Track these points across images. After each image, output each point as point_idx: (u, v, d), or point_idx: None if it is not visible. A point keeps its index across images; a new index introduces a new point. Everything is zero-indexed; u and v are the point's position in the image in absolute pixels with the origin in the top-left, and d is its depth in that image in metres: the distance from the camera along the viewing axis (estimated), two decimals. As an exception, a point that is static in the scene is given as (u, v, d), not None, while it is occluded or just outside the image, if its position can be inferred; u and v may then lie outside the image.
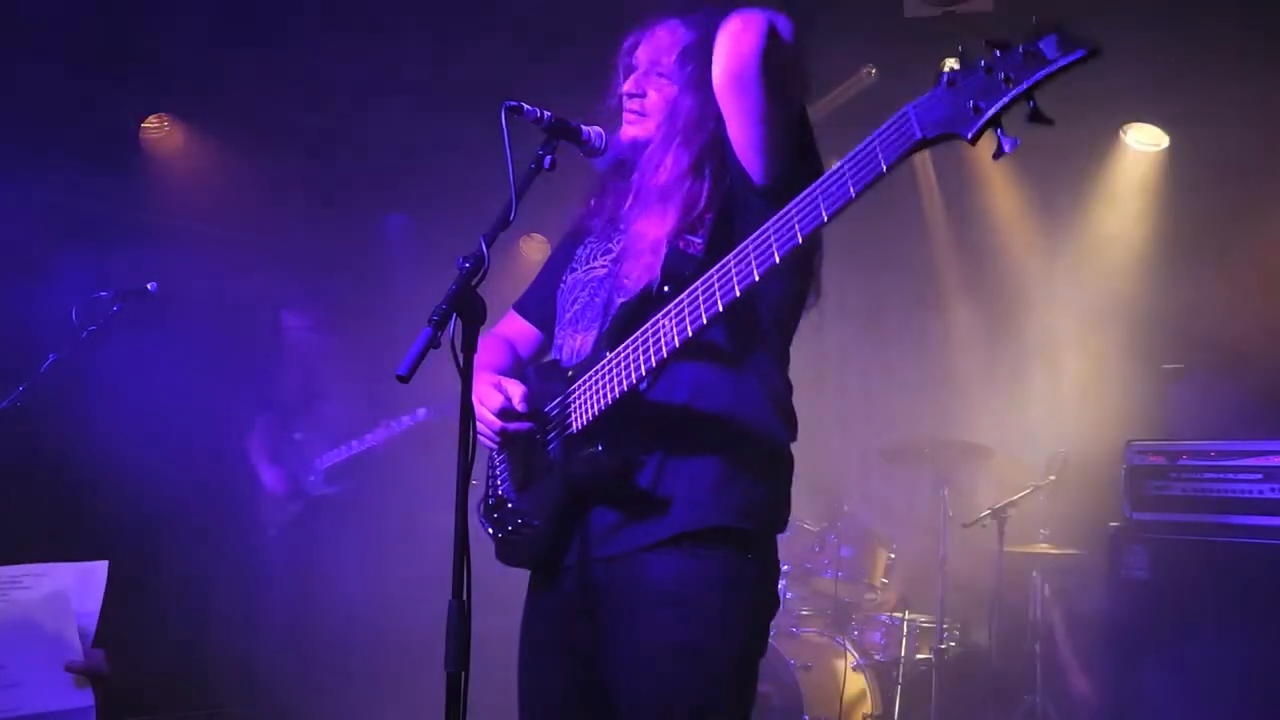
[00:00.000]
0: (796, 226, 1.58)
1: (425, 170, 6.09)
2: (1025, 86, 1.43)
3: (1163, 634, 3.79)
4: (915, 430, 5.07)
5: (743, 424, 1.92)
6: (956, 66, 1.49)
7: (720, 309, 1.67)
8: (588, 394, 1.86)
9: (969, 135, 1.45)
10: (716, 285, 1.67)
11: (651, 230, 1.93)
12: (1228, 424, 4.41)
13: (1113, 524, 4.01)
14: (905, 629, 4.59)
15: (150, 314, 4.47)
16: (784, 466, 2.00)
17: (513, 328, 2.28)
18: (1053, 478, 4.66)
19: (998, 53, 1.46)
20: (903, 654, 4.56)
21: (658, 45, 2.02)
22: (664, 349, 1.74)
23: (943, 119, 1.48)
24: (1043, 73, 1.43)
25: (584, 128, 2.00)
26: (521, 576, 2.15)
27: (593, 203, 2.13)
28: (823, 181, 1.56)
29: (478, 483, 1.93)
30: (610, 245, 2.05)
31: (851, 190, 1.53)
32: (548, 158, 1.89)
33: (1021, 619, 4.64)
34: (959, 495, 4.85)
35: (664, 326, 1.74)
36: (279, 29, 4.91)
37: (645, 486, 1.87)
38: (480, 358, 2.07)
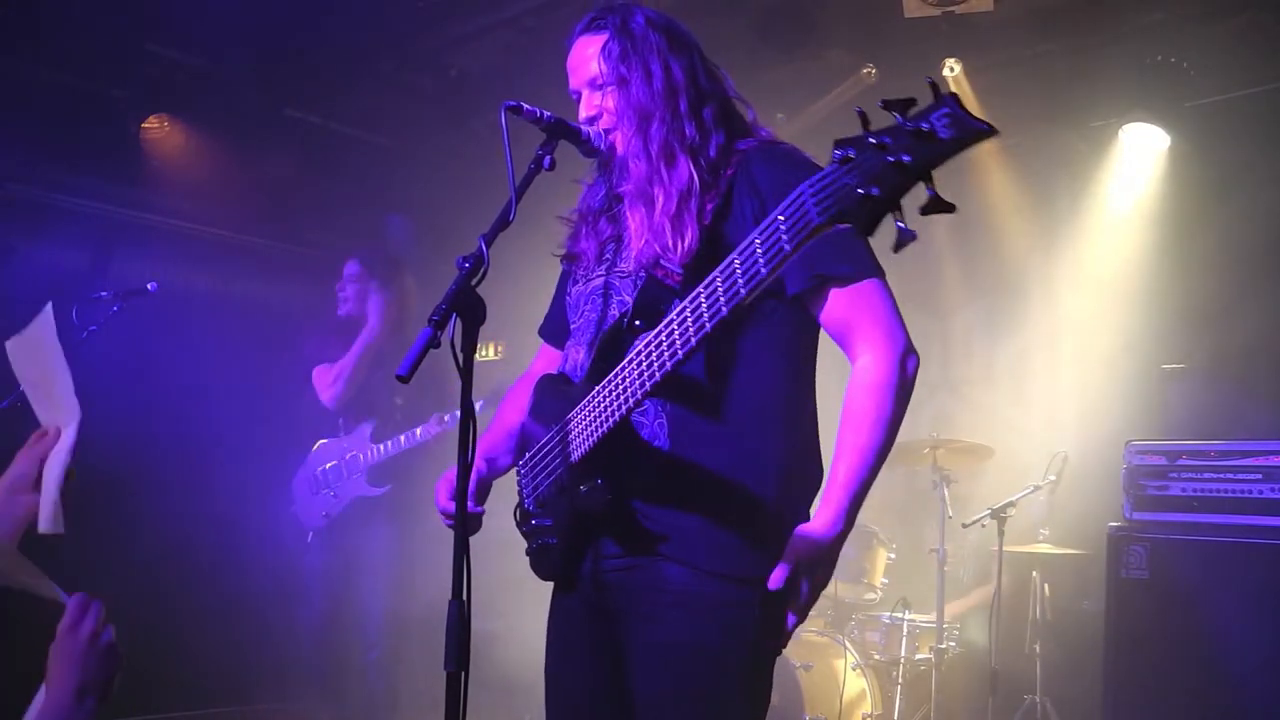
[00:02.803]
0: (721, 300, 1.57)
1: (425, 170, 6.10)
2: (921, 172, 1.29)
3: (1163, 634, 3.79)
4: (915, 430, 5.06)
5: (756, 465, 1.91)
6: (849, 138, 1.35)
7: (670, 369, 1.67)
8: (582, 425, 1.88)
9: (866, 228, 1.33)
10: (665, 349, 1.67)
11: (637, 239, 1.94)
12: (1228, 424, 4.41)
13: (1113, 524, 4.01)
14: (905, 629, 4.59)
15: (153, 313, 4.48)
16: (803, 495, 1.99)
17: (546, 360, 2.30)
18: (1053, 478, 4.66)
19: (893, 123, 1.31)
20: (903, 654, 4.56)
21: (581, 64, 2.05)
22: (630, 399, 1.75)
23: (835, 204, 1.35)
24: (934, 154, 1.28)
25: (583, 127, 2.00)
26: (521, 579, 2.16)
27: (589, 214, 2.12)
28: (741, 253, 1.54)
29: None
30: (606, 254, 2.06)
31: (763, 271, 1.50)
32: (547, 157, 1.89)
33: (1021, 619, 4.64)
34: (959, 495, 4.85)
35: (628, 377, 1.76)
36: (279, 28, 4.92)
37: (653, 524, 1.88)
38: (503, 410, 2.26)
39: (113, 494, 4.42)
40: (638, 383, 1.73)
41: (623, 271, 2.00)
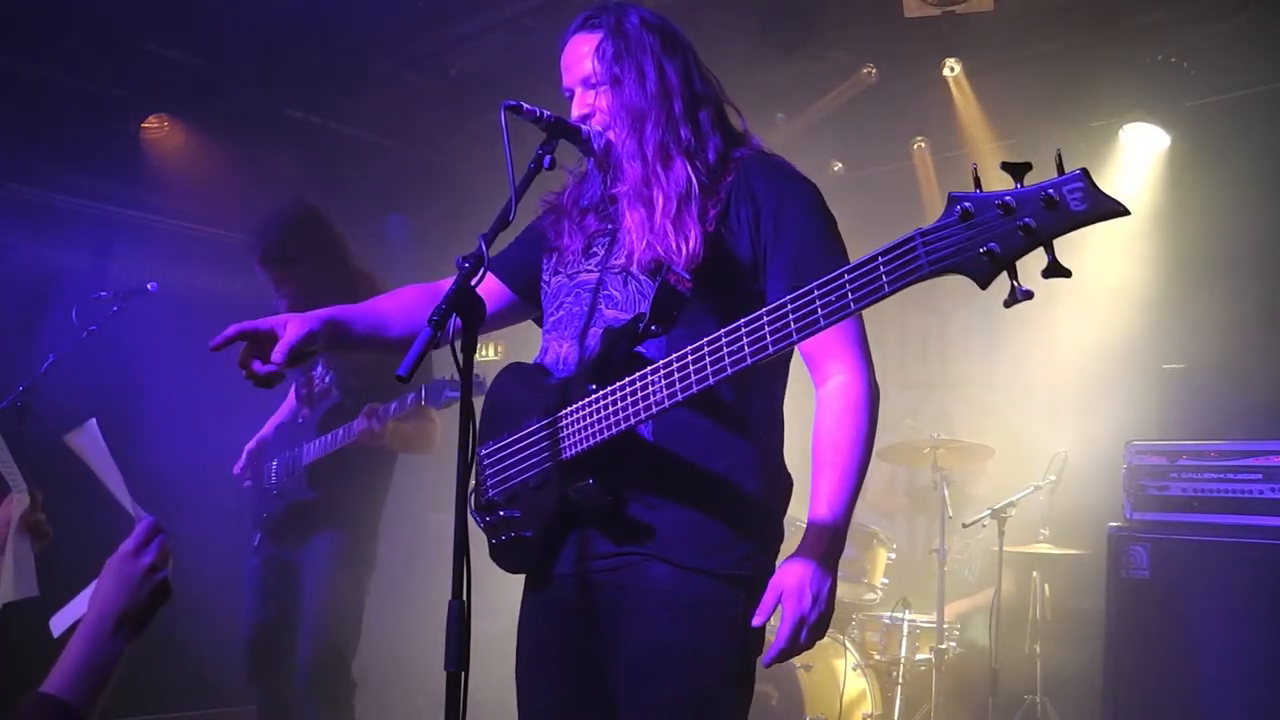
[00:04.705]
0: (792, 326, 1.58)
1: (425, 170, 6.10)
2: (1045, 239, 1.33)
3: (1163, 634, 3.79)
4: (915, 430, 5.06)
5: (741, 461, 1.94)
6: (968, 194, 1.39)
7: (711, 383, 1.68)
8: (577, 425, 1.86)
9: (981, 282, 1.39)
10: (708, 359, 1.68)
11: (637, 239, 1.93)
12: (1228, 424, 4.41)
13: (1113, 524, 4.01)
14: (905, 629, 4.59)
15: (151, 313, 4.47)
16: (784, 493, 2.03)
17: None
18: (1053, 478, 4.67)
19: (1017, 189, 1.35)
20: (903, 654, 4.56)
21: (575, 63, 2.05)
22: (653, 408, 1.75)
23: (952, 258, 1.40)
24: (1062, 224, 1.32)
25: (583, 126, 2.01)
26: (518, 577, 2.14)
27: (576, 209, 2.11)
28: (823, 287, 1.54)
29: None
30: (594, 250, 2.05)
31: (851, 305, 1.50)
32: (547, 157, 1.88)
33: (1021, 619, 4.64)
34: (959, 495, 4.85)
35: (654, 384, 1.75)
36: (279, 28, 4.92)
37: (640, 518, 1.88)
38: (388, 299, 2.17)
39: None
40: (664, 393, 1.73)
41: (614, 267, 1.99)
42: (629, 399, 1.78)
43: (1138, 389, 4.90)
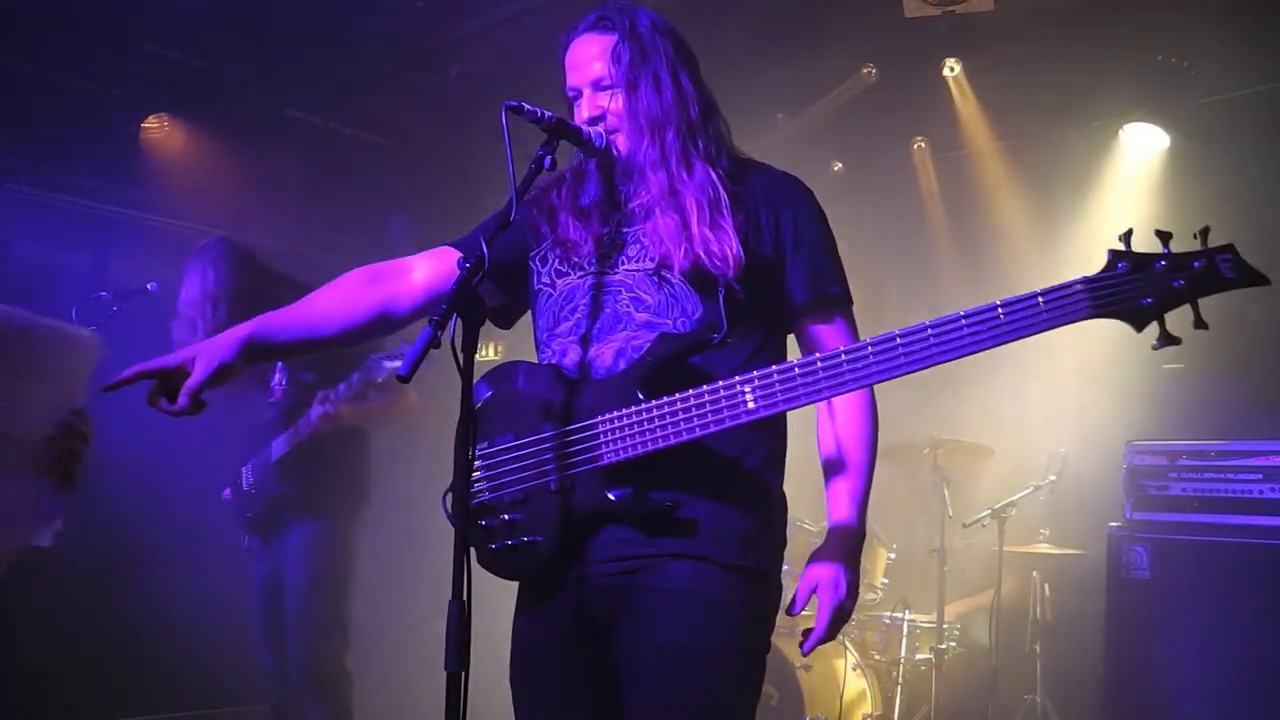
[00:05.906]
0: (935, 351, 1.66)
1: (425, 170, 6.10)
2: (1194, 298, 1.57)
3: (1163, 634, 3.79)
4: (915, 430, 5.06)
5: (766, 454, 1.97)
6: (1127, 252, 1.61)
7: (824, 399, 1.76)
8: (621, 430, 1.82)
9: (1137, 327, 1.58)
10: (822, 377, 1.72)
11: (671, 243, 1.91)
12: (1228, 424, 4.41)
13: (1113, 524, 4.01)
14: (905, 629, 4.59)
15: (151, 313, 4.47)
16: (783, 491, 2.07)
17: (433, 263, 2.09)
18: (1053, 478, 4.67)
19: (1165, 251, 1.59)
20: (903, 654, 4.56)
21: (584, 63, 2.04)
22: (741, 417, 1.76)
23: (1114, 305, 1.59)
24: (1213, 287, 1.57)
25: (584, 127, 1.99)
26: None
27: (575, 208, 2.06)
28: (973, 318, 1.65)
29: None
30: (610, 251, 1.99)
31: (1010, 334, 1.63)
32: (548, 158, 1.87)
33: (1021, 619, 4.64)
34: (959, 495, 4.85)
35: (742, 394, 1.75)
36: (279, 28, 4.92)
37: (677, 517, 1.87)
38: (326, 293, 2.08)
39: (118, 492, 4.43)
40: (763, 402, 1.74)
41: (643, 269, 1.95)
42: (708, 407, 1.76)
43: (1138, 389, 4.91)
